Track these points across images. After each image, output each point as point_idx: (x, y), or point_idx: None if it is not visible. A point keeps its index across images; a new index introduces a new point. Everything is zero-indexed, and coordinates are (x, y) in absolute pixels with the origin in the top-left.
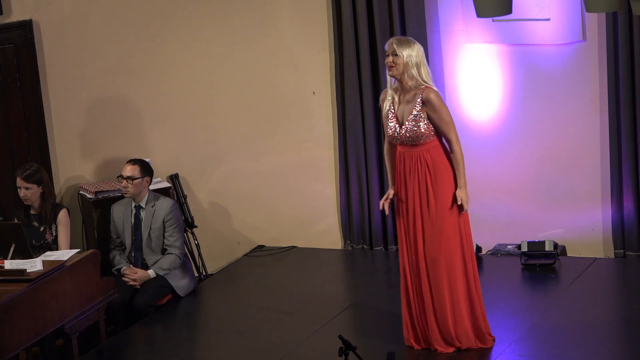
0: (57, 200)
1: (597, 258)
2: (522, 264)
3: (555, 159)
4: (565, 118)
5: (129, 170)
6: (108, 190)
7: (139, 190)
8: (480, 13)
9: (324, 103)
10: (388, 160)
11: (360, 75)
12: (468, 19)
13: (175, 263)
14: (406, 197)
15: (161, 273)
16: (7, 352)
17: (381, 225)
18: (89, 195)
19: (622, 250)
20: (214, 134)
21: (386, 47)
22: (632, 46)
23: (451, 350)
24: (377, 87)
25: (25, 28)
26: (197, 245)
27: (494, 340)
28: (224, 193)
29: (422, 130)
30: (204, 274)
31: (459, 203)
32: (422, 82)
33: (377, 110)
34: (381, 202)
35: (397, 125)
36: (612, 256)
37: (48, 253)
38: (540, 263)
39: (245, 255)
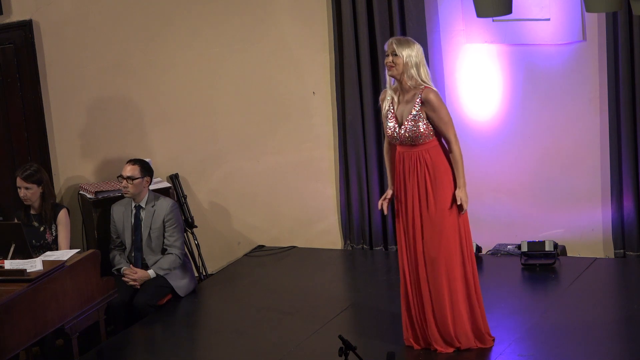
0: (57, 200)
1: (597, 258)
2: (522, 264)
3: (555, 159)
4: (565, 118)
5: (129, 170)
6: (108, 190)
7: (139, 190)
8: (480, 13)
9: (324, 103)
10: (387, 160)
11: (360, 75)
12: (468, 19)
13: (175, 263)
14: (405, 197)
15: (161, 273)
16: (7, 352)
17: (381, 225)
18: (89, 195)
19: (622, 250)
20: (214, 134)
21: (386, 47)
22: (632, 46)
23: (451, 350)
24: (377, 87)
25: (25, 28)
26: (197, 245)
27: (493, 340)
28: (224, 193)
29: (422, 130)
30: (204, 274)
31: (458, 203)
32: (422, 82)
33: (377, 110)
34: (379, 202)
35: (397, 125)
36: (612, 256)
37: (48, 253)
38: (540, 263)
39: (245, 255)
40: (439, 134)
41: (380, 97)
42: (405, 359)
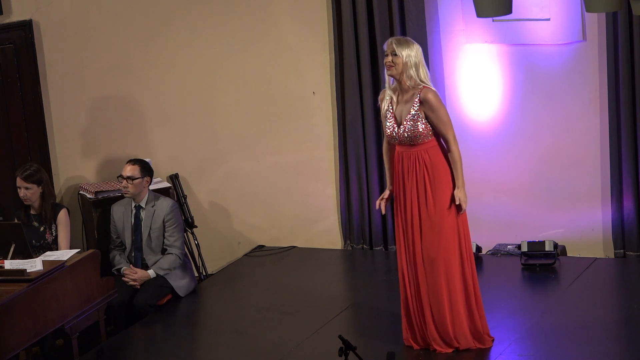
0: (57, 200)
1: (597, 258)
2: (522, 264)
3: (555, 159)
4: (565, 118)
5: (129, 170)
6: (108, 190)
7: (139, 190)
8: (480, 13)
9: (324, 103)
10: (386, 160)
11: (360, 75)
12: (468, 19)
13: (175, 263)
14: (404, 197)
15: (161, 273)
16: (7, 352)
17: (381, 225)
18: (89, 195)
19: (622, 250)
20: (214, 134)
21: (385, 47)
22: (632, 46)
23: (450, 350)
24: (377, 87)
25: (25, 28)
26: (197, 245)
27: (492, 340)
28: (224, 193)
29: (420, 130)
30: (204, 274)
31: (457, 203)
32: (420, 82)
33: (377, 110)
34: (377, 202)
35: (396, 125)
36: (612, 256)
37: (48, 253)
38: (540, 263)
39: (245, 255)
40: (437, 133)
41: (380, 97)
42: (405, 359)
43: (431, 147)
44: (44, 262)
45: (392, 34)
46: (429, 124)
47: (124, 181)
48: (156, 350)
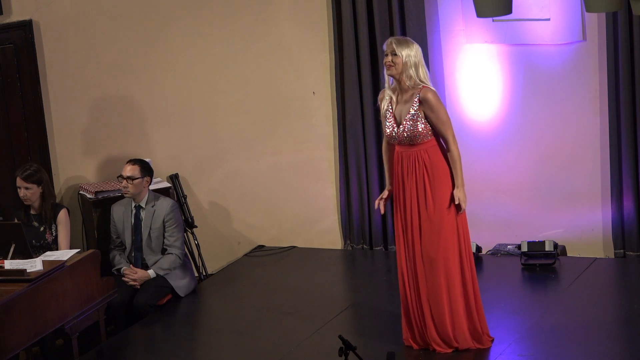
0: (57, 200)
1: (597, 258)
2: (522, 264)
3: (555, 159)
4: (565, 118)
5: (129, 170)
6: (108, 190)
7: (139, 190)
8: (480, 13)
9: (324, 103)
10: (385, 160)
11: (360, 75)
12: (468, 19)
13: (175, 263)
14: (404, 197)
15: (161, 273)
16: (7, 352)
17: (381, 225)
18: (89, 195)
19: (622, 250)
20: (214, 134)
21: (385, 46)
22: (632, 46)
23: (449, 350)
24: (377, 87)
25: (25, 28)
26: (197, 245)
27: (492, 341)
28: (224, 193)
29: (420, 130)
30: (204, 274)
31: (456, 203)
32: (420, 82)
33: (377, 110)
34: (376, 202)
35: (395, 125)
36: (612, 256)
37: (48, 253)
38: (540, 263)
39: (245, 255)
40: (437, 133)
41: (379, 97)
42: (405, 359)
43: (431, 147)
44: (44, 262)
45: (392, 34)
46: (429, 123)
47: (124, 181)
48: (156, 350)
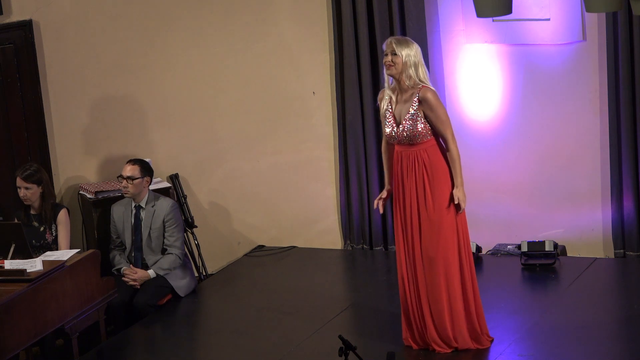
0: (57, 200)
1: (597, 258)
2: (522, 264)
3: (555, 159)
4: (565, 118)
5: (129, 170)
6: (108, 190)
7: (139, 190)
8: (480, 13)
9: (324, 103)
10: (385, 160)
11: (360, 75)
12: (468, 19)
13: (175, 263)
14: (403, 197)
15: (161, 273)
16: (7, 352)
17: (381, 225)
18: (89, 195)
19: (622, 250)
20: (214, 134)
21: (384, 46)
22: (632, 46)
23: (449, 350)
24: (377, 87)
25: (25, 28)
26: (197, 245)
27: (491, 341)
28: (224, 193)
29: (419, 130)
30: (204, 274)
31: (455, 202)
32: (420, 82)
33: (377, 110)
34: (375, 201)
35: (395, 125)
36: (612, 256)
37: (48, 253)
38: (540, 263)
39: (245, 255)
40: (436, 133)
41: (379, 97)
42: (405, 359)
43: (430, 147)
44: (44, 262)
45: (392, 34)
46: (428, 123)
47: (124, 181)
48: (156, 350)
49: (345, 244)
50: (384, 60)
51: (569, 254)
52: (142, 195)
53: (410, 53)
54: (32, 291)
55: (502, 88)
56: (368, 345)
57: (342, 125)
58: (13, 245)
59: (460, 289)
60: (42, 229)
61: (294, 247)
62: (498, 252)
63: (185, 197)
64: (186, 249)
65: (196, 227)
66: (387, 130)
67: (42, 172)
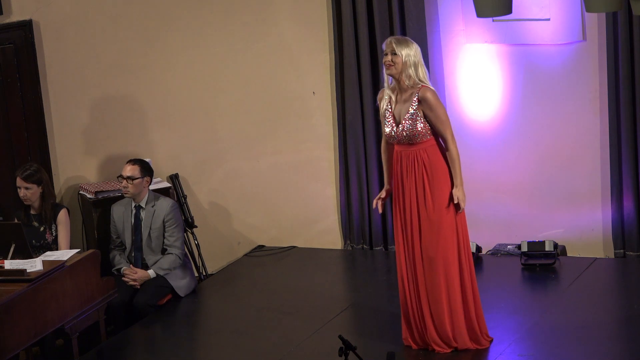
0: (57, 200)
1: (597, 258)
2: (522, 264)
3: (555, 159)
4: (565, 118)
5: (129, 170)
6: (108, 190)
7: (139, 190)
8: (480, 13)
9: (324, 103)
10: (384, 159)
11: (360, 75)
12: (468, 19)
13: (175, 263)
14: (403, 197)
15: (161, 273)
16: (7, 352)
17: (381, 225)
18: (89, 195)
19: (622, 250)
20: (214, 134)
21: (384, 46)
22: (632, 46)
23: (448, 350)
24: (377, 87)
25: (25, 28)
26: (197, 245)
27: (490, 341)
28: (224, 193)
29: (419, 129)
30: (204, 274)
31: (455, 202)
32: (419, 82)
33: (377, 109)
34: (374, 201)
35: (394, 124)
36: (612, 256)
37: (48, 253)
38: (540, 263)
39: (245, 255)
40: (436, 133)
41: (378, 97)
42: (405, 359)
43: (430, 146)
44: (44, 262)
45: (392, 34)
46: (428, 123)
47: (124, 181)
48: (156, 350)
49: (345, 244)
50: (383, 60)
51: (569, 254)
52: (142, 195)
53: (410, 53)
54: (32, 291)
55: (502, 88)
56: (368, 345)
57: (342, 125)
58: (13, 245)
59: (460, 289)
60: (42, 229)
61: (294, 247)
62: (498, 252)
63: (185, 197)
64: (186, 249)
65: (196, 227)
66: (387, 130)
67: (42, 172)
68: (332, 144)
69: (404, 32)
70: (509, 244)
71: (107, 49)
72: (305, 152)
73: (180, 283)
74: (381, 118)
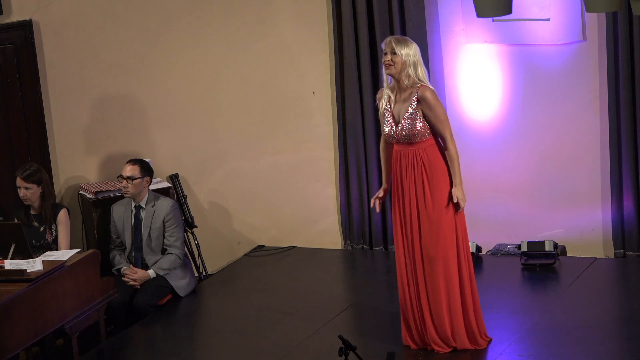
0: (57, 200)
1: (597, 258)
2: (522, 264)
3: (555, 159)
4: (565, 118)
5: (129, 170)
6: (108, 190)
7: (139, 190)
8: (480, 13)
9: (324, 103)
10: (383, 159)
11: (360, 75)
12: (468, 19)
13: (175, 263)
14: (402, 196)
15: (161, 273)
16: (7, 352)
17: (381, 225)
18: (89, 195)
19: (622, 250)
20: (214, 134)
21: (383, 45)
22: (632, 46)
23: (447, 350)
24: (377, 87)
25: (25, 28)
26: (197, 245)
27: (488, 342)
28: (224, 193)
29: (418, 129)
30: (204, 274)
31: (454, 201)
32: (418, 81)
33: (377, 109)
34: (372, 200)
35: (394, 124)
36: (612, 256)
37: (48, 253)
38: (540, 263)
39: (245, 255)
40: (435, 132)
41: (377, 96)
42: (405, 358)
43: (429, 146)
44: (44, 262)
45: (392, 34)
46: (427, 122)
47: (124, 181)
48: (156, 350)
49: (345, 244)
50: (383, 60)
51: (569, 254)
52: (142, 195)
53: (409, 52)
54: (32, 291)
55: (502, 88)
56: (368, 345)
57: (342, 125)
58: (13, 245)
59: (459, 288)
60: (42, 229)
61: (294, 247)
62: (498, 252)
63: (185, 197)
64: (186, 249)
65: (196, 227)
66: (386, 129)
67: (42, 172)
68: (332, 144)
69: (403, 32)
70: (509, 244)
71: (107, 49)
72: (305, 152)
73: (180, 283)
74: (380, 117)
